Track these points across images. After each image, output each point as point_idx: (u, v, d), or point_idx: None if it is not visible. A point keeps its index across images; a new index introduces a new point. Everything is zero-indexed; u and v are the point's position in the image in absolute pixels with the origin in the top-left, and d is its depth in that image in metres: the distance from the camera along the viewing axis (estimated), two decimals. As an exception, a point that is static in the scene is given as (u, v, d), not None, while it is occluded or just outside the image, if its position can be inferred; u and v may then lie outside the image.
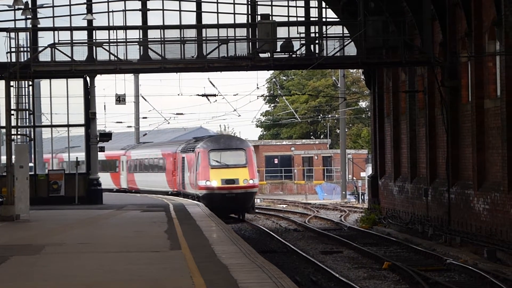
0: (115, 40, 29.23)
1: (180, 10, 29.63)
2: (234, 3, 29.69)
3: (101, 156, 46.62)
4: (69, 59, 28.04)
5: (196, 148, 31.79)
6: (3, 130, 28.53)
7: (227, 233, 17.40)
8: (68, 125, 33.15)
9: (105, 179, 49.34)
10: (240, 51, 27.90)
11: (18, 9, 28.17)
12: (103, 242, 16.12)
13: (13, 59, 25.87)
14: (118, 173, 54.07)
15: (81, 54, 29.01)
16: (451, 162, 24.38)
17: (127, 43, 28.89)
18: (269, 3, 29.24)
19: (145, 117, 60.03)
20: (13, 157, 23.28)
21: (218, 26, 29.10)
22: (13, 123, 24.19)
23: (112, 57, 28.18)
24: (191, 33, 29.38)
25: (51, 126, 33.75)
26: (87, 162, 32.42)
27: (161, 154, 44.11)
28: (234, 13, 29.69)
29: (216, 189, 28.61)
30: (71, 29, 30.19)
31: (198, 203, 35.87)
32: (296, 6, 29.41)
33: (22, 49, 28.28)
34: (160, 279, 8.65)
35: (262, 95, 49.84)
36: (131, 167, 50.66)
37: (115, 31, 30.04)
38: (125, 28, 29.72)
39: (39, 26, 30.37)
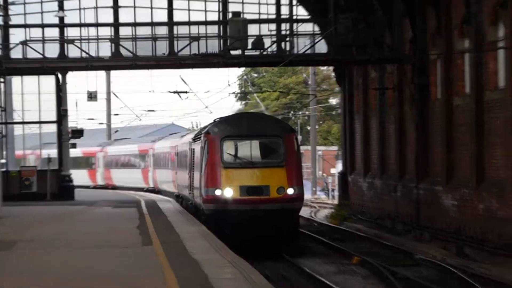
0: (87, 38, 29.45)
1: (151, 8, 29.66)
2: (205, 0, 29.68)
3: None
4: (41, 56, 28.37)
5: (202, 133, 20.14)
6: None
7: (198, 229, 17.55)
8: (40, 122, 33.56)
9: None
10: (212, 49, 28.11)
11: (-11, 6, 27.99)
12: (74, 238, 16.13)
13: (-16, 56, 25.79)
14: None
15: (52, 51, 29.28)
16: (420, 159, 24.87)
17: (99, 40, 29.14)
18: (240, 0, 29.38)
19: (117, 114, 59.73)
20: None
21: (189, 23, 29.39)
22: (-15, 120, 24.40)
23: (84, 54, 28.47)
24: (162, 30, 29.73)
25: (23, 123, 34.38)
26: (59, 159, 32.39)
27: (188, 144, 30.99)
28: (206, 11, 29.80)
29: (232, 203, 17.10)
30: (42, 26, 30.57)
31: (169, 199, 33.95)
32: (267, 4, 29.75)
33: (-7, 46, 28.69)
34: (131, 275, 8.67)
35: (234, 92, 51.39)
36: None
37: (86, 28, 30.27)
38: (97, 25, 29.93)
39: (10, 23, 30.05)
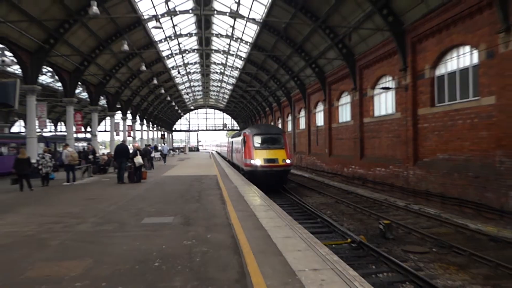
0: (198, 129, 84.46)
1: (201, 125, 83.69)
2: (219, 118, 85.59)
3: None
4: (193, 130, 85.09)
5: (242, 133, 25.63)
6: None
7: (228, 165, 30.51)
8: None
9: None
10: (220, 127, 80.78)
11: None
12: (199, 156, 47.15)
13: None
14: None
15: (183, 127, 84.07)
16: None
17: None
18: (228, 121, 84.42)
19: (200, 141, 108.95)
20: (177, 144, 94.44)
21: (215, 126, 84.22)
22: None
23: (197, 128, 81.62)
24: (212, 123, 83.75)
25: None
26: (197, 145, 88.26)
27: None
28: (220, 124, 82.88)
29: (260, 167, 21.53)
30: (176, 130, 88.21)
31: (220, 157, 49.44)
32: (228, 119, 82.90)
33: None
34: (209, 166, 27.38)
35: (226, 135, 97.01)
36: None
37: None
38: (197, 128, 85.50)
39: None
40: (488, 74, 13.09)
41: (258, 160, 21.16)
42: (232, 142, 31.44)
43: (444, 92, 15.79)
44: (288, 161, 21.16)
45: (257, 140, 22.26)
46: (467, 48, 14.34)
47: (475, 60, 13.97)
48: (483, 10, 13.21)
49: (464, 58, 14.63)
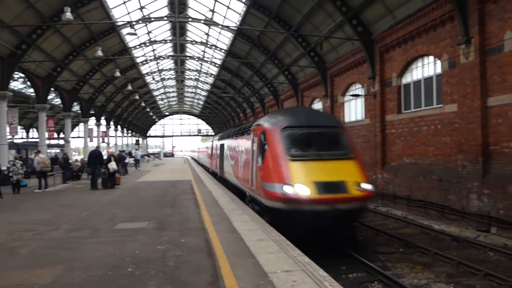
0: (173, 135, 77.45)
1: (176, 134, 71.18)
2: (193, 124, 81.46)
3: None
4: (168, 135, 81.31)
5: (253, 125, 11.13)
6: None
7: (202, 170, 30.95)
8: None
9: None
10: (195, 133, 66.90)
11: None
12: (175, 162, 46.93)
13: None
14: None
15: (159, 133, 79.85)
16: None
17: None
18: (202, 127, 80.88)
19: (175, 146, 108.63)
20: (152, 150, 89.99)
21: (190, 132, 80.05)
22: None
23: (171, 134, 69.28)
24: (187, 129, 78.11)
25: (163, 149, 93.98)
26: (172, 151, 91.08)
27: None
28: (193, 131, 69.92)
29: (307, 203, 7.57)
30: (154, 136, 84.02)
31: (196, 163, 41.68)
32: (203, 124, 78.81)
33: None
34: (185, 171, 28.20)
35: (201, 139, 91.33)
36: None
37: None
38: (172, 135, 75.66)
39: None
40: (450, 83, 13.60)
41: (300, 185, 8.42)
42: (223, 146, 17.42)
43: (410, 100, 16.29)
44: (367, 186, 8.80)
45: (293, 141, 9.36)
46: (431, 58, 14.87)
47: (438, 69, 14.49)
48: (445, 23, 13.75)
49: (428, 67, 15.15)
